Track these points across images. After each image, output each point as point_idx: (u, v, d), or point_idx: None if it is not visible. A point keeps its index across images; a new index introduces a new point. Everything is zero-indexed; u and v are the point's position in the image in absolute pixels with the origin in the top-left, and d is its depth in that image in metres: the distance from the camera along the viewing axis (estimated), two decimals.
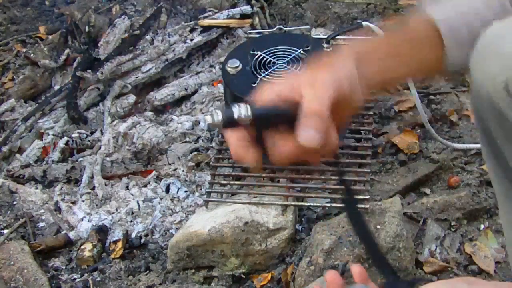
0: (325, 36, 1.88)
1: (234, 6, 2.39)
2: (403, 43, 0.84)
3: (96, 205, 1.81)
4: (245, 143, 0.74)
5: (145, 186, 1.85)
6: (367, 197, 1.58)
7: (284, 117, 0.73)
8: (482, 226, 1.66)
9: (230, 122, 0.67)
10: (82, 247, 1.68)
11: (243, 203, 1.61)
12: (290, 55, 1.77)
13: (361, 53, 0.81)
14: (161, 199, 1.80)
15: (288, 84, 0.77)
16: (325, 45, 1.78)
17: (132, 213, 1.77)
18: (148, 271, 1.63)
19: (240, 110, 0.68)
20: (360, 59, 0.80)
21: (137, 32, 2.24)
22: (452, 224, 1.65)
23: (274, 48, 1.79)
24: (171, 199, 1.79)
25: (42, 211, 1.82)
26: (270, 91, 0.77)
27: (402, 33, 0.86)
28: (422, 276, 1.45)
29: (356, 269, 0.86)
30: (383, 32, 0.89)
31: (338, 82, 0.76)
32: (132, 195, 1.82)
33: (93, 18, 2.31)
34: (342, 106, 0.78)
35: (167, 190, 1.82)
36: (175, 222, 1.73)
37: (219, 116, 0.67)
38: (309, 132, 0.73)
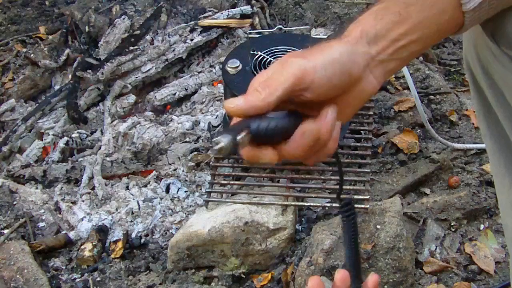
0: (325, 36, 1.88)
1: (234, 6, 2.38)
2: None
3: (96, 205, 1.81)
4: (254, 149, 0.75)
5: (145, 186, 1.85)
6: (367, 197, 1.58)
7: (277, 129, 0.74)
8: (482, 226, 1.66)
9: (234, 147, 0.72)
10: (82, 247, 1.68)
11: (243, 203, 1.61)
12: None
13: (366, 30, 0.74)
14: (161, 199, 1.80)
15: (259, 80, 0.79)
16: None
17: (132, 213, 1.77)
18: (148, 271, 1.63)
19: (238, 136, 0.72)
20: (368, 36, 0.74)
21: (137, 32, 2.24)
22: (452, 224, 1.65)
23: (274, 48, 1.79)
24: (171, 199, 1.79)
25: (42, 211, 1.82)
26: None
27: None
28: None
29: (373, 278, 0.80)
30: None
31: (303, 71, 0.73)
32: (132, 195, 1.82)
33: (93, 18, 2.31)
34: (332, 94, 0.74)
35: (167, 190, 1.82)
36: (175, 222, 1.73)
37: (226, 141, 0.70)
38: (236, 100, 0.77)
